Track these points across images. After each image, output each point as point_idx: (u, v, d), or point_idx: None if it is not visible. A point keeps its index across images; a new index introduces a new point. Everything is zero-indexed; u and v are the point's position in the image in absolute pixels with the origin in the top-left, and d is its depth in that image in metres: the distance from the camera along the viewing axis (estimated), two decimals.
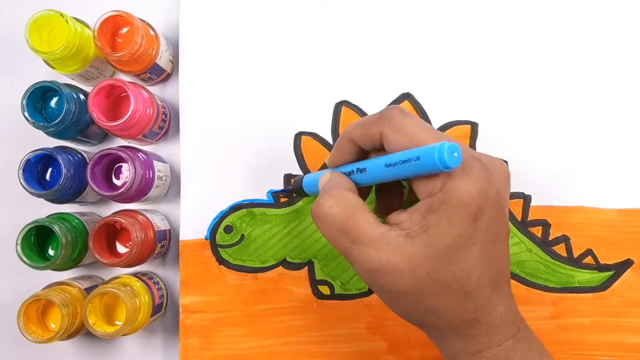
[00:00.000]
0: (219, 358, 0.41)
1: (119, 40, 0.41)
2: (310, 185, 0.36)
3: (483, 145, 0.41)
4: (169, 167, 0.44)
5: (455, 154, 0.26)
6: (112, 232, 0.41)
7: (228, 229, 0.42)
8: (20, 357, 0.43)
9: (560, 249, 0.41)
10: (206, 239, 0.42)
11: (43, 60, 0.40)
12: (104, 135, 0.44)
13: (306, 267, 0.42)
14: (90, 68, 0.41)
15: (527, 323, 0.31)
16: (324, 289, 0.41)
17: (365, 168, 0.31)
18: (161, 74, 0.43)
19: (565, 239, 0.41)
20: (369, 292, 0.41)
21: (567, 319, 0.40)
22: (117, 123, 0.37)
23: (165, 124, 0.43)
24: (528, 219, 0.41)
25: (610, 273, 0.40)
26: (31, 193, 0.38)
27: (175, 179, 0.44)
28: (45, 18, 0.38)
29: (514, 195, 0.41)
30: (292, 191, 0.38)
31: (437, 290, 0.29)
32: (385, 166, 0.29)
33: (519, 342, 0.30)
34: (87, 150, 0.43)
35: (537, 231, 0.41)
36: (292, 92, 0.43)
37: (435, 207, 0.28)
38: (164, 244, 0.42)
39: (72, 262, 0.40)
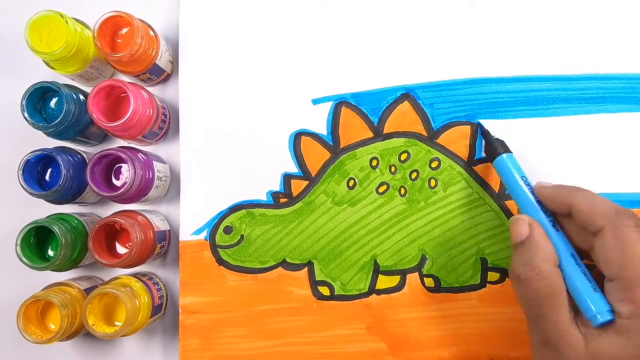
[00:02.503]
0: (218, 359, 0.41)
1: (118, 40, 0.41)
2: (507, 180, 0.37)
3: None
4: (168, 168, 0.44)
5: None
6: (111, 232, 0.41)
7: (227, 230, 0.42)
8: (19, 357, 0.43)
9: None
10: (206, 239, 0.42)
11: (43, 60, 0.40)
12: (104, 136, 0.44)
13: (306, 268, 0.42)
14: (90, 69, 0.41)
15: None
16: (324, 290, 0.41)
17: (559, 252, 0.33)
18: (161, 75, 0.43)
19: None
20: (369, 293, 0.41)
21: None
22: (116, 124, 0.37)
23: (165, 124, 0.43)
24: None
25: None
26: (31, 194, 0.38)
27: (175, 179, 0.44)
28: (45, 18, 0.38)
29: None
30: (487, 147, 0.40)
31: None
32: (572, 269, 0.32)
33: None
34: (87, 150, 0.43)
35: None
36: (291, 92, 0.43)
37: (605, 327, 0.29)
38: (163, 244, 0.42)
39: (72, 263, 0.40)
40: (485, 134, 0.40)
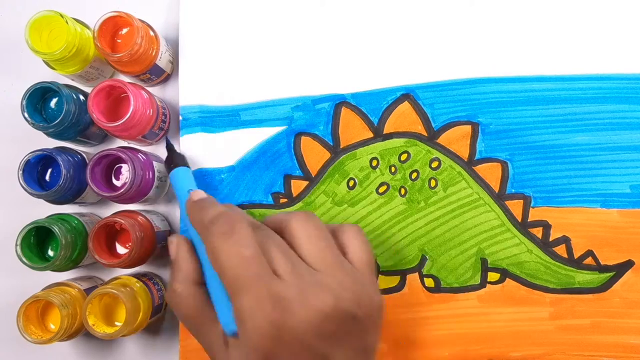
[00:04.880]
0: None
1: (118, 41, 0.41)
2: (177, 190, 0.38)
3: (484, 145, 0.41)
4: None
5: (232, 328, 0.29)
6: (111, 232, 0.41)
7: None
8: (19, 357, 0.43)
9: (561, 250, 0.41)
10: None
11: (43, 60, 0.40)
12: (104, 136, 0.44)
13: None
14: (90, 69, 0.41)
15: None
16: None
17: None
18: (161, 75, 0.43)
19: (565, 240, 0.41)
20: None
21: (567, 320, 0.40)
22: (116, 124, 0.37)
23: (165, 124, 0.43)
24: (528, 220, 0.41)
25: (611, 274, 0.40)
26: (31, 194, 0.38)
27: None
28: (45, 19, 0.38)
29: (514, 197, 0.41)
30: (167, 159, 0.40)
31: None
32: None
33: None
34: (87, 151, 0.43)
35: (538, 232, 0.41)
36: (291, 93, 0.43)
37: (236, 337, 0.29)
38: (163, 244, 0.42)
39: (72, 263, 0.40)
40: (168, 147, 0.41)
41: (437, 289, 0.41)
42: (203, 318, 0.31)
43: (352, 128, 0.42)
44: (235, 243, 0.29)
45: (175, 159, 0.40)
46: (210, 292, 0.32)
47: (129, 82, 0.39)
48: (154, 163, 0.41)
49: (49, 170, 0.41)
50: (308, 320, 0.28)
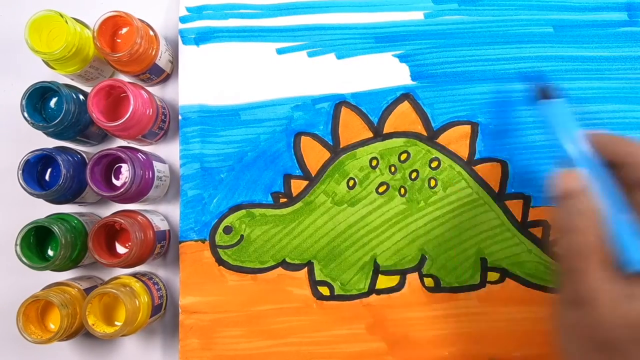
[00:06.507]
0: (218, 358, 0.41)
1: (118, 40, 0.41)
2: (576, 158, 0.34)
3: (483, 145, 0.41)
4: (168, 168, 0.44)
5: None
6: (111, 232, 0.41)
7: (227, 230, 0.42)
8: (19, 357, 0.43)
9: None
10: (205, 239, 0.42)
11: (42, 60, 0.40)
12: (104, 136, 0.44)
13: (306, 268, 0.42)
14: (90, 68, 0.41)
15: None
16: (324, 290, 0.41)
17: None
18: (161, 75, 0.43)
19: None
20: (369, 293, 0.41)
21: None
22: (116, 123, 0.37)
23: (165, 124, 0.43)
24: (528, 220, 0.41)
25: None
26: (30, 193, 0.38)
27: (174, 179, 0.44)
28: (45, 18, 0.38)
29: (514, 196, 0.41)
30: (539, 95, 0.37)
31: None
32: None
33: None
34: (87, 150, 0.43)
35: (538, 232, 0.41)
36: (291, 92, 0.43)
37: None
38: (163, 244, 0.42)
39: (72, 263, 0.40)
40: (540, 77, 0.39)
41: (437, 288, 0.41)
42: (601, 254, 0.29)
43: (352, 128, 0.42)
44: None
45: (552, 90, 0.37)
46: (618, 227, 0.30)
47: (129, 82, 0.39)
48: (154, 163, 0.41)
49: (49, 170, 0.41)
50: None
